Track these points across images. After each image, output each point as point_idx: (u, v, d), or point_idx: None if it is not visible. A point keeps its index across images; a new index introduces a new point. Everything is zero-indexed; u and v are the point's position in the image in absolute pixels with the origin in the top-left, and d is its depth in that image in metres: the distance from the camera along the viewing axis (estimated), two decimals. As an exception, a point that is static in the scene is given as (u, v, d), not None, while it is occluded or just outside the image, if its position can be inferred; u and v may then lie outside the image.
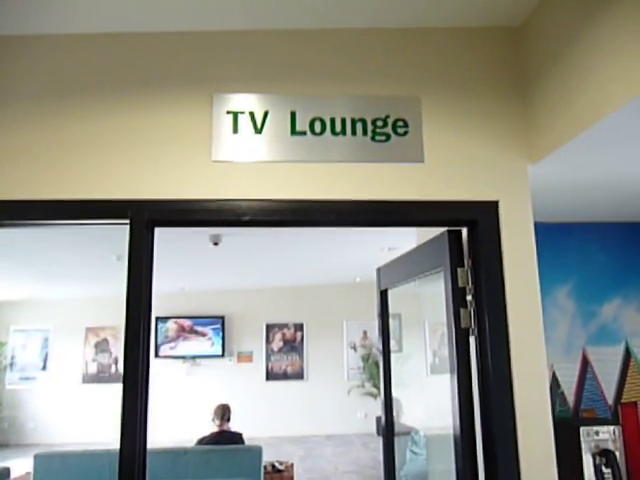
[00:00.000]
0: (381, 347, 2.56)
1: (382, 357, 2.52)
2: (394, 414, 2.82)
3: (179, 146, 1.61)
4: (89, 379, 9.83)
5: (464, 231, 1.73)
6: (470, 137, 1.69)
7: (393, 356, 2.64)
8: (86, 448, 7.46)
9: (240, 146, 1.63)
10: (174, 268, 6.78)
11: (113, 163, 1.58)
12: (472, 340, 1.67)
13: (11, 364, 9.81)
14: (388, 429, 2.54)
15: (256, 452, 5.04)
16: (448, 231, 1.75)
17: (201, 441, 5.25)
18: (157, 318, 9.88)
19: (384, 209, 1.63)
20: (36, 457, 5.02)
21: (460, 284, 1.70)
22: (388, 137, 1.67)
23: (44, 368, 9.87)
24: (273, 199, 1.60)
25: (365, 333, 10.08)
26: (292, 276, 8.77)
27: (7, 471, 5.88)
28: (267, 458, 7.86)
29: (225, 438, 5.24)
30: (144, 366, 1.58)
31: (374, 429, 9.41)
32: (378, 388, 9.42)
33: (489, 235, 1.65)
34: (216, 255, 5.86)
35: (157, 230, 1.66)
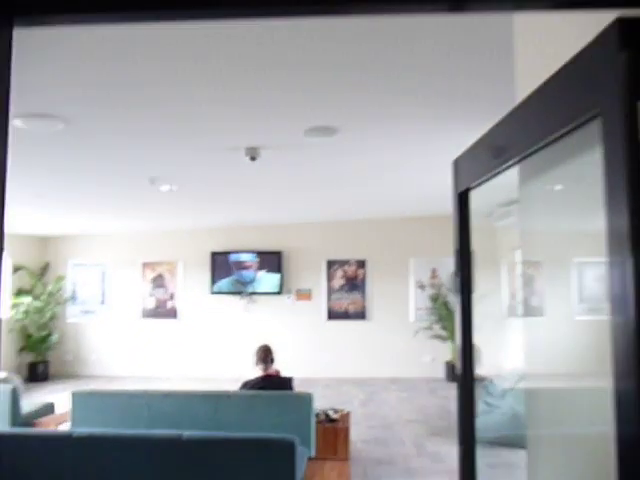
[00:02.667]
0: (458, 276, 1.68)
1: (459, 287, 1.65)
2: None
3: None
4: (147, 314, 9.65)
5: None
6: None
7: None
8: (131, 386, 7.23)
9: None
10: (215, 198, 6.09)
11: None
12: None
13: (72, 298, 9.78)
14: (466, 378, 1.70)
15: (306, 400, 4.39)
16: (618, 21, 0.80)
17: (245, 385, 4.68)
18: (213, 253, 9.42)
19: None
20: (73, 395, 4.67)
21: (644, 133, 0.77)
22: None
23: (103, 302, 9.77)
24: None
25: (434, 271, 9.16)
26: (353, 209, 7.90)
27: (51, 407, 5.67)
28: (326, 401, 7.32)
29: (272, 383, 4.62)
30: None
31: (442, 374, 8.65)
32: (447, 330, 8.58)
33: None
34: (259, 177, 5.08)
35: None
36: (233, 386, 4.74)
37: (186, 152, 4.07)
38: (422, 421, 6.38)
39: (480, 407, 6.00)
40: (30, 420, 5.06)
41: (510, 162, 1.28)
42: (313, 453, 4.31)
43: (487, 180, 1.49)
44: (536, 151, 1.13)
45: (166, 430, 3.74)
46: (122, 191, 5.54)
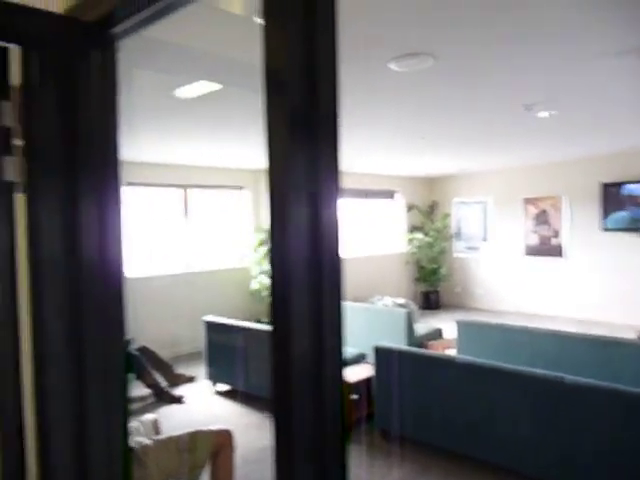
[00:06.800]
0: None
1: None
2: None
3: None
4: (530, 251, 9.38)
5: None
6: None
7: None
8: (507, 321, 7.12)
9: None
10: (602, 121, 5.19)
11: None
12: None
13: (457, 234, 10.36)
14: None
15: None
16: None
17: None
18: (604, 185, 8.29)
19: None
20: (458, 323, 5.02)
21: None
22: None
23: (484, 239, 10.00)
24: None
25: None
26: None
27: (439, 332, 6.21)
28: None
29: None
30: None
31: None
32: None
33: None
34: None
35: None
36: (628, 334, 4.16)
37: (565, 69, 3.58)
38: None
39: None
40: (422, 341, 5.66)
41: None
42: None
43: None
44: None
45: (547, 370, 3.57)
46: (493, 123, 5.38)
